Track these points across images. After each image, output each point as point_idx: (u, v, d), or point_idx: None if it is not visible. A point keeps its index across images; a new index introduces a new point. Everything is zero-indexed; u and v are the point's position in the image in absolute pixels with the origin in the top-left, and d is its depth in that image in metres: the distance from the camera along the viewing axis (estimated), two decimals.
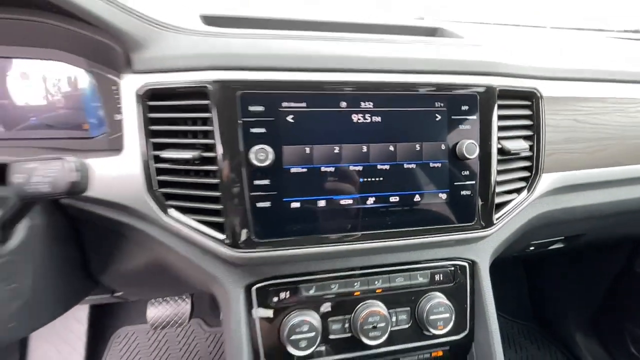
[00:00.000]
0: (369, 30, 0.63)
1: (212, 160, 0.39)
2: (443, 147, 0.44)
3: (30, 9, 0.44)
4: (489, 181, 0.46)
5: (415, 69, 0.43)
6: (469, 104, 0.45)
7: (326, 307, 0.44)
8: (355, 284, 0.45)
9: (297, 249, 0.41)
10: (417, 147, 0.44)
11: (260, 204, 0.39)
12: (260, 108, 0.40)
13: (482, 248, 0.49)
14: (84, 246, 0.51)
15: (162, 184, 0.40)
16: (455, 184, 0.45)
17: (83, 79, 0.49)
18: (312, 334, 0.42)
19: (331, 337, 0.44)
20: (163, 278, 0.59)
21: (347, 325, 0.44)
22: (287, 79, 0.40)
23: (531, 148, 0.49)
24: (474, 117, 0.45)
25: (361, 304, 0.45)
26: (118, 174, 0.40)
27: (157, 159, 0.41)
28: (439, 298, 0.46)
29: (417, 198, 0.44)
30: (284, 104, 0.40)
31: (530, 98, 0.49)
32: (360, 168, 0.42)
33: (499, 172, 0.47)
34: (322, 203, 0.41)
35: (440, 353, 0.48)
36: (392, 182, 0.43)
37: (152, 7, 0.47)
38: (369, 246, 0.43)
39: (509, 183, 0.48)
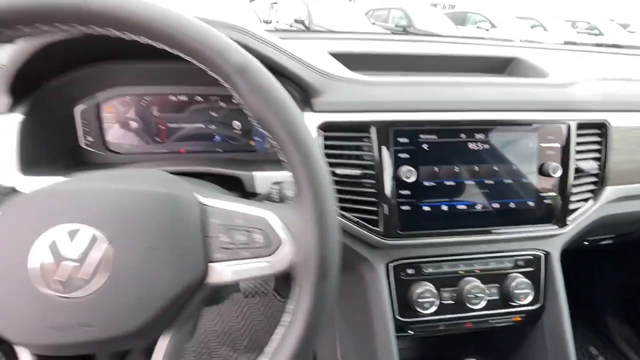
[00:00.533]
0: (458, 61, 0.78)
1: (371, 176, 0.56)
2: (533, 167, 0.59)
3: None
4: (565, 193, 0.60)
5: (519, 108, 0.58)
6: (554, 135, 0.59)
7: (439, 281, 0.61)
8: (460, 265, 0.62)
9: (426, 239, 0.58)
10: (514, 167, 0.59)
11: (403, 207, 0.57)
12: (406, 140, 0.56)
13: (555, 242, 0.64)
14: None
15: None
16: (540, 194, 0.60)
17: None
18: (432, 299, 0.59)
19: (443, 302, 0.61)
20: None
21: (454, 294, 0.62)
22: (423, 118, 0.56)
23: (599, 167, 0.63)
24: (558, 144, 0.59)
25: (463, 279, 0.62)
26: None
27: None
28: (521, 278, 0.63)
29: (511, 205, 0.60)
30: (421, 136, 0.56)
31: (601, 128, 0.63)
32: (473, 182, 0.58)
33: (573, 186, 0.62)
34: (444, 207, 0.58)
35: (518, 318, 0.65)
36: (495, 193, 0.59)
37: (317, 58, 0.63)
38: (474, 238, 0.60)
39: (580, 194, 0.63)
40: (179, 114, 0.65)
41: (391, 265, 0.60)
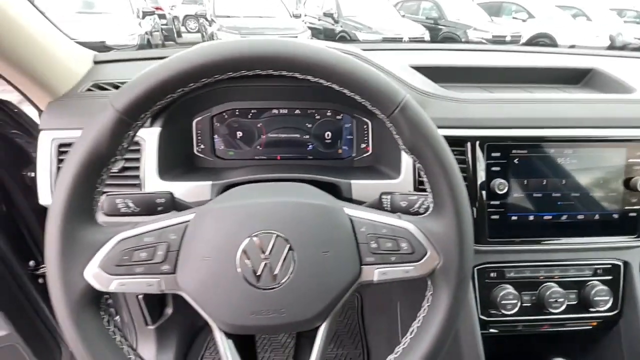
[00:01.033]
0: (534, 73, 0.80)
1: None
2: (619, 181, 0.62)
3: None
4: None
5: (608, 125, 0.61)
6: None
7: (521, 285, 0.66)
8: (541, 271, 0.66)
9: (511, 246, 0.63)
10: (600, 181, 0.62)
11: (493, 217, 0.61)
12: (498, 154, 0.60)
13: (635, 252, 0.67)
14: None
15: None
16: (625, 207, 0.63)
17: (347, 120, 0.73)
18: (514, 301, 0.64)
19: (524, 304, 0.66)
20: None
21: (534, 298, 0.66)
22: (516, 135, 0.60)
23: None
24: None
25: (543, 285, 0.66)
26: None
27: (420, 183, 0.63)
28: (600, 286, 0.66)
29: (596, 217, 0.63)
30: (513, 151, 0.60)
31: None
32: (560, 195, 0.62)
33: None
34: (531, 217, 0.62)
35: (594, 323, 0.68)
36: (580, 205, 0.62)
37: (406, 74, 0.68)
38: (557, 247, 0.63)
39: None
40: (279, 125, 0.72)
41: (476, 268, 0.65)
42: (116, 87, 0.67)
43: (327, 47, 0.38)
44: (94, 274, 0.36)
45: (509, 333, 0.67)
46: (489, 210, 0.61)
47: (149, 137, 0.60)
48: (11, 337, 0.75)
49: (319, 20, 7.16)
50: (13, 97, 0.77)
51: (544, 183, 0.61)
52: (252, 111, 0.70)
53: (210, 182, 0.62)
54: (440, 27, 6.72)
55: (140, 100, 0.35)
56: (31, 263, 0.81)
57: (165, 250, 0.37)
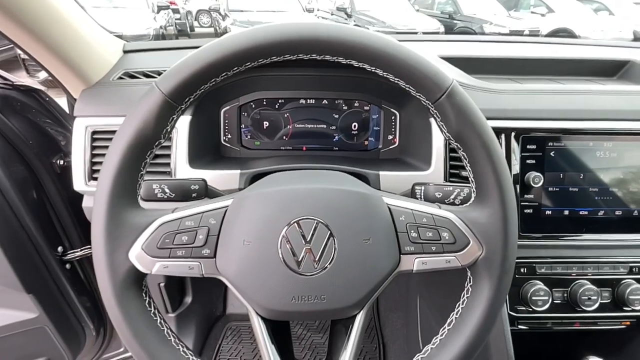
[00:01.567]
0: (568, 65, 0.78)
1: None
2: None
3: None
4: None
5: None
6: None
7: (551, 281, 0.64)
8: (574, 267, 0.64)
9: (543, 241, 0.61)
10: None
11: (526, 210, 0.60)
12: (534, 146, 0.59)
13: None
14: None
15: None
16: None
17: (375, 111, 0.72)
18: (545, 297, 0.62)
19: (554, 301, 0.64)
20: None
21: (565, 295, 0.64)
22: (552, 127, 0.59)
23: None
24: None
25: (576, 282, 0.64)
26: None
27: (451, 175, 0.62)
28: (636, 284, 0.64)
29: (635, 213, 0.61)
30: (549, 143, 0.59)
31: None
32: (597, 189, 0.60)
33: None
34: (566, 212, 0.61)
35: (628, 322, 0.66)
36: (618, 200, 0.60)
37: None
38: (591, 243, 0.62)
39: None
40: (306, 115, 0.71)
41: None
42: (147, 75, 0.68)
43: (371, 32, 0.37)
44: (137, 256, 0.36)
45: (538, 330, 0.66)
46: (522, 204, 0.59)
47: (181, 125, 0.61)
48: (40, 320, 0.78)
49: (332, 14, 7.10)
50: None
51: (581, 177, 0.59)
52: (280, 101, 0.70)
53: (238, 171, 0.62)
54: (455, 21, 6.59)
55: (186, 83, 0.35)
56: (59, 249, 0.83)
57: (205, 235, 0.38)
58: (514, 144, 0.59)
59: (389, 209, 0.40)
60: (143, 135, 0.35)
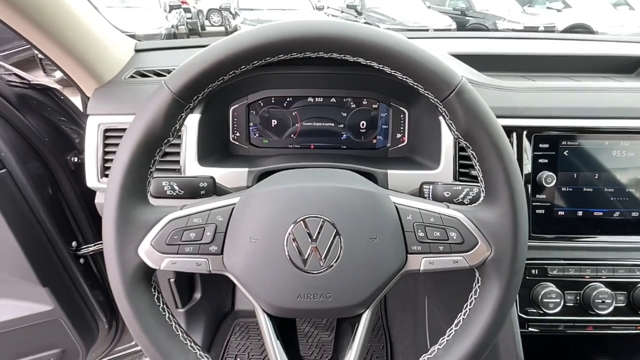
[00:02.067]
0: (583, 61, 0.75)
1: None
2: None
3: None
4: None
5: None
6: None
7: (564, 283, 0.63)
8: (587, 270, 0.63)
9: (555, 242, 0.60)
10: None
11: (538, 211, 0.58)
12: (546, 145, 0.57)
13: None
14: None
15: None
16: None
17: (383, 109, 0.71)
18: (557, 300, 0.61)
19: (567, 304, 0.63)
20: None
21: (578, 298, 0.63)
22: (566, 125, 0.57)
23: None
24: None
25: (589, 284, 0.63)
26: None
27: (461, 174, 0.61)
28: None
29: None
30: (563, 142, 0.57)
31: None
32: (613, 190, 0.58)
33: None
34: (580, 213, 0.59)
35: None
36: (635, 201, 0.58)
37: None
38: (606, 245, 0.60)
39: None
40: (314, 113, 0.71)
41: None
42: (157, 74, 0.69)
43: (379, 29, 0.37)
44: (146, 252, 0.37)
45: (549, 333, 0.64)
46: (533, 204, 0.58)
47: (190, 123, 0.61)
48: (55, 312, 0.80)
49: (342, 12, 7.06)
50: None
51: (596, 177, 0.58)
52: (288, 99, 0.70)
53: (246, 169, 0.63)
54: (468, 18, 6.48)
55: (194, 81, 0.35)
56: (74, 244, 0.85)
57: (213, 232, 0.38)
58: (525, 143, 0.57)
59: (396, 208, 0.39)
60: (152, 134, 0.36)
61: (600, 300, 0.61)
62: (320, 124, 0.72)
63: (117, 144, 0.64)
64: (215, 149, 0.68)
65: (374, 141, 0.73)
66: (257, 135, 0.73)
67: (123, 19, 4.29)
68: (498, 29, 6.01)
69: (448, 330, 0.40)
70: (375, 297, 0.38)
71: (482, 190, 0.39)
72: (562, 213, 0.59)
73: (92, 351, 0.93)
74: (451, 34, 1.01)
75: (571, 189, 0.58)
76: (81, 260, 0.87)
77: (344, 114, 0.71)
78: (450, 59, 0.69)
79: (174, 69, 0.37)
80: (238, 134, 0.72)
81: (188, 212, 0.39)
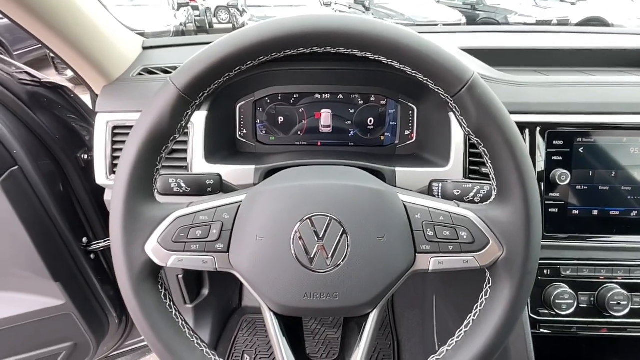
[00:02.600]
0: (597, 55, 0.73)
1: None
2: None
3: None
4: None
5: None
6: None
7: (577, 284, 0.61)
8: (602, 270, 0.61)
9: (569, 242, 0.58)
10: None
11: (551, 210, 0.57)
12: (561, 142, 0.55)
13: None
14: None
15: None
16: None
17: (391, 105, 0.70)
18: (570, 301, 0.59)
19: (580, 305, 0.61)
20: None
21: (592, 299, 0.61)
22: (581, 121, 0.55)
23: None
24: None
25: (604, 285, 0.61)
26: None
27: (471, 172, 0.60)
28: None
29: None
30: (578, 139, 0.55)
31: None
32: (630, 188, 0.56)
33: None
34: (595, 212, 0.57)
35: None
36: None
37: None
38: (622, 245, 0.58)
39: None
40: (321, 110, 0.71)
41: None
42: (165, 71, 0.69)
43: (388, 22, 0.36)
44: (153, 249, 0.37)
45: (562, 335, 0.63)
46: (547, 202, 0.56)
47: (197, 120, 0.61)
48: (67, 307, 0.81)
49: (350, 8, 6.99)
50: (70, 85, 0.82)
51: (613, 175, 0.56)
52: (295, 96, 0.70)
53: (253, 166, 0.62)
54: (478, 12, 6.35)
55: (200, 78, 0.35)
56: (84, 240, 0.86)
57: (219, 229, 0.38)
58: (539, 140, 0.56)
59: (405, 206, 0.39)
60: (158, 131, 0.36)
61: (615, 302, 0.59)
62: (327, 121, 0.71)
63: (125, 141, 0.64)
64: (222, 146, 0.68)
65: (382, 138, 0.72)
66: (263, 132, 0.72)
67: (132, 17, 4.33)
68: (509, 23, 5.88)
69: (457, 332, 0.39)
70: (383, 296, 0.37)
71: (494, 189, 0.38)
72: (577, 212, 0.57)
73: (103, 345, 0.94)
74: (461, 28, 0.99)
75: (586, 187, 0.56)
76: (92, 256, 0.88)
77: (352, 111, 0.71)
78: (461, 54, 0.67)
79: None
80: (245, 131, 0.72)
81: (194, 210, 0.39)
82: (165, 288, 0.40)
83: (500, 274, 0.37)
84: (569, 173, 0.55)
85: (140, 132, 0.36)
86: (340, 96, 0.70)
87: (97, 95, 0.68)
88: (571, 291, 0.60)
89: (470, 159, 0.59)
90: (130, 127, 0.63)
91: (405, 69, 0.36)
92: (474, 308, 0.39)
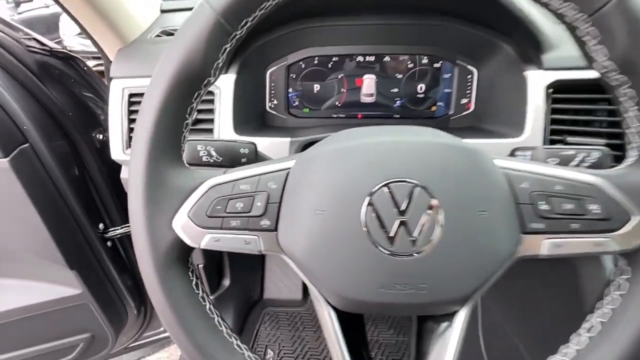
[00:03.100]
0: None
1: (619, 147, 0.47)
2: None
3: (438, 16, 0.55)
4: None
5: None
6: None
7: None
8: None
9: None
10: None
11: None
12: None
13: None
14: None
15: None
16: None
17: (447, 69, 0.60)
18: None
19: None
20: None
21: None
22: None
23: None
24: None
25: None
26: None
27: (553, 142, 0.50)
28: None
29: None
30: None
31: None
32: None
33: None
34: None
35: None
36: None
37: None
38: None
39: None
40: (364, 76, 0.61)
41: None
42: None
43: None
44: (182, 226, 0.29)
45: None
46: None
47: (225, 84, 0.53)
48: (84, 296, 0.76)
49: None
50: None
51: None
52: (333, 59, 0.61)
53: (289, 139, 0.54)
54: None
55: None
56: (101, 226, 0.81)
57: (265, 202, 0.30)
58: None
59: (506, 174, 0.29)
60: (190, 69, 0.28)
61: None
62: (370, 90, 0.62)
63: None
64: (251, 117, 0.60)
65: (434, 109, 0.63)
66: (296, 103, 0.64)
67: None
68: None
69: (575, 337, 0.30)
70: (478, 290, 0.29)
71: (633, 147, 0.28)
72: None
73: (121, 336, 0.89)
74: None
75: None
76: (108, 244, 0.83)
77: (399, 76, 0.61)
78: None
79: None
80: (276, 102, 0.63)
81: (234, 177, 0.30)
82: (196, 275, 0.32)
83: None
84: None
85: (167, 69, 0.28)
86: (387, 58, 0.60)
87: (111, 63, 0.60)
88: None
89: (553, 126, 0.49)
90: None
91: None
92: (598, 307, 0.30)
